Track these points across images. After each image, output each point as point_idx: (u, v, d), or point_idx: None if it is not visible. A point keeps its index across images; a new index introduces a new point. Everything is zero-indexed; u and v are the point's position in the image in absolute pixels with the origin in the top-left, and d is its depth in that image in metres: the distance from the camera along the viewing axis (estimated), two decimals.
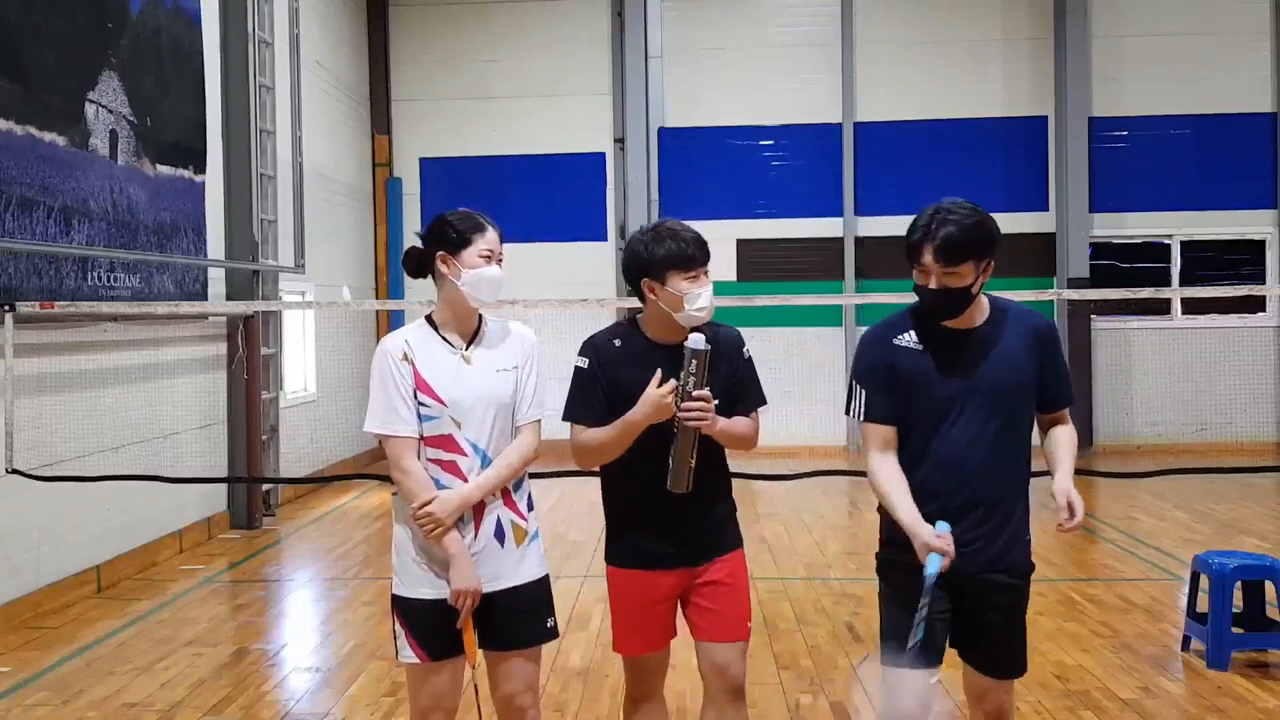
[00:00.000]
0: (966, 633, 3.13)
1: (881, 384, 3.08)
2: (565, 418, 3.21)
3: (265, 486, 9.24)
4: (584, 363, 3.19)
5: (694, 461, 3.04)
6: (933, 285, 2.95)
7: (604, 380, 3.16)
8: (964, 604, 3.08)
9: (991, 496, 3.04)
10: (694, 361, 3.00)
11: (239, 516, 9.00)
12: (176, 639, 5.94)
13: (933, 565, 2.89)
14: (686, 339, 3.04)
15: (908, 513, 2.98)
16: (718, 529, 3.24)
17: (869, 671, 3.20)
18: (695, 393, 2.99)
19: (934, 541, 2.92)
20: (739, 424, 3.19)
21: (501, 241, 3.21)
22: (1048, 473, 3.13)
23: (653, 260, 3.11)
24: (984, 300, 3.08)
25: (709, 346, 3.02)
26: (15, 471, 6.20)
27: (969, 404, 3.01)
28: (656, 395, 3.00)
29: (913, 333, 3.07)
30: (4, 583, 6.18)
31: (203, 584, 7.28)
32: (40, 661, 5.58)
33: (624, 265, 3.22)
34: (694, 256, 3.11)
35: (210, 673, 5.36)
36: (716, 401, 3.05)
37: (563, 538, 8.29)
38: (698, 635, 3.23)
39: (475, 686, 3.20)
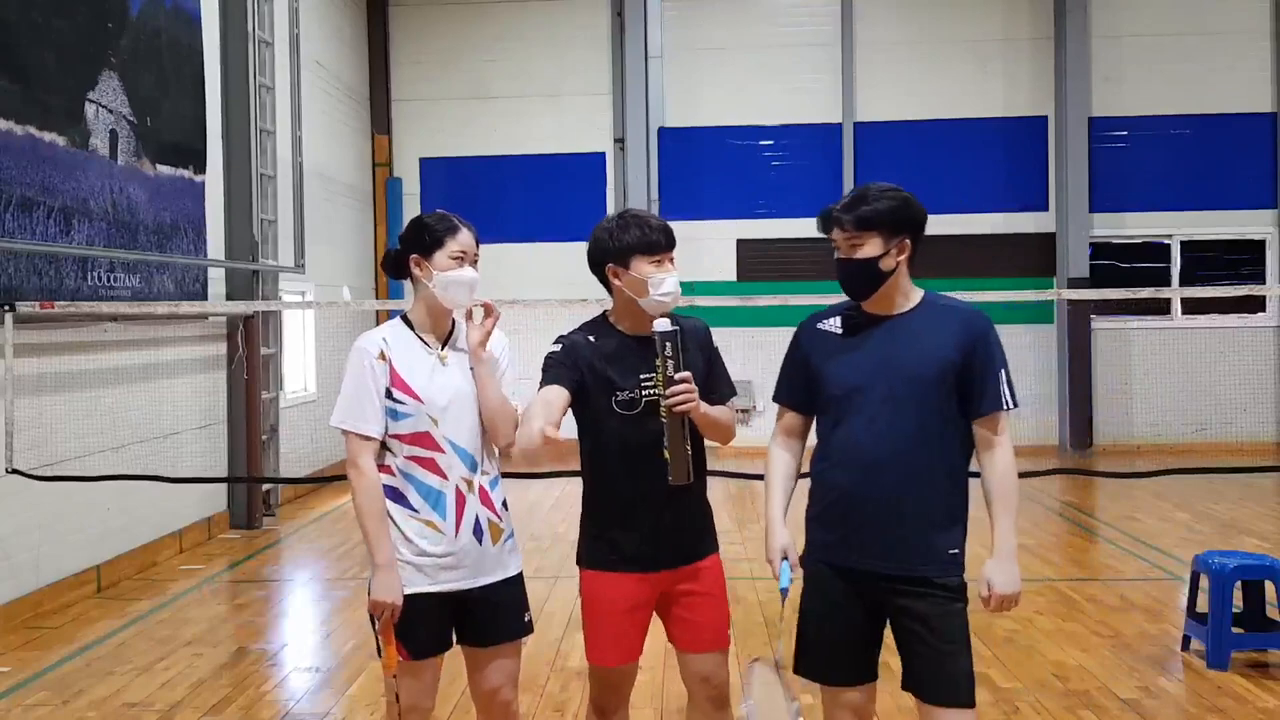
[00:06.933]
0: (900, 651, 2.92)
1: (796, 368, 3.07)
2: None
3: (265, 486, 9.24)
4: (557, 348, 3.13)
5: (689, 449, 2.96)
6: (841, 255, 2.93)
7: (576, 363, 3.09)
8: (878, 611, 2.94)
9: (893, 493, 2.84)
10: (667, 344, 2.93)
11: (239, 516, 9.01)
12: (176, 639, 5.94)
13: (784, 578, 2.92)
14: (653, 325, 2.97)
15: (773, 511, 3.04)
16: (697, 534, 3.17)
17: (758, 676, 3.06)
18: (677, 376, 2.91)
19: (776, 553, 2.98)
20: (721, 410, 3.14)
21: (478, 243, 3.19)
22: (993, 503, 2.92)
23: (619, 245, 3.09)
24: (915, 290, 2.98)
25: (677, 326, 2.97)
26: (15, 471, 6.20)
27: (876, 392, 2.86)
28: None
29: (838, 319, 3.02)
30: (4, 583, 6.18)
31: (203, 584, 7.28)
32: (40, 661, 5.58)
33: (589, 252, 3.17)
34: (659, 242, 3.09)
35: (210, 673, 5.35)
36: (695, 388, 2.96)
37: (562, 538, 8.28)
38: (679, 645, 3.19)
39: (397, 696, 3.05)
